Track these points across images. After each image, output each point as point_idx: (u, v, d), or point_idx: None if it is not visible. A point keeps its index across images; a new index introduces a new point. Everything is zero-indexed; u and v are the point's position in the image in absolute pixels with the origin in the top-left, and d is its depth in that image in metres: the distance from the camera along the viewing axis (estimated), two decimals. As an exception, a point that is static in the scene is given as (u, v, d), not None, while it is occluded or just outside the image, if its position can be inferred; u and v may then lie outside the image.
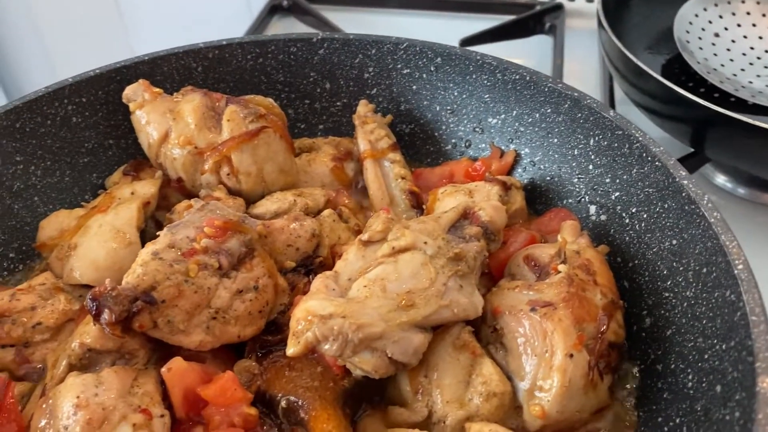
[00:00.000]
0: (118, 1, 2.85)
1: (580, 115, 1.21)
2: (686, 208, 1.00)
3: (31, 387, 1.07)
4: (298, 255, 1.17)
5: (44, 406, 0.94)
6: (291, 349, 0.94)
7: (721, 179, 1.67)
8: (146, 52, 1.39)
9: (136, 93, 1.30)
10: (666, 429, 0.93)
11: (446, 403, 0.97)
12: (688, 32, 1.80)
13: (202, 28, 2.75)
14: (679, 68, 1.77)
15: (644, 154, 1.10)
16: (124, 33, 2.96)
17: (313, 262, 1.18)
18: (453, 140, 1.43)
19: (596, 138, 1.19)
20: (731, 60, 1.76)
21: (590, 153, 1.21)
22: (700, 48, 1.78)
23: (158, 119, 1.27)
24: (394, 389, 1.02)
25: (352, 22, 2.13)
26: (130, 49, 2.93)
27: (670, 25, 1.80)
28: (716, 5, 1.84)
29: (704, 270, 0.95)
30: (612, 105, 1.85)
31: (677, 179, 1.02)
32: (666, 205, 1.06)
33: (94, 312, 0.95)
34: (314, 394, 0.97)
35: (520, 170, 1.35)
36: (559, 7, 2.16)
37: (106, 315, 0.94)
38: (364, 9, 2.30)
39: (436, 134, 1.45)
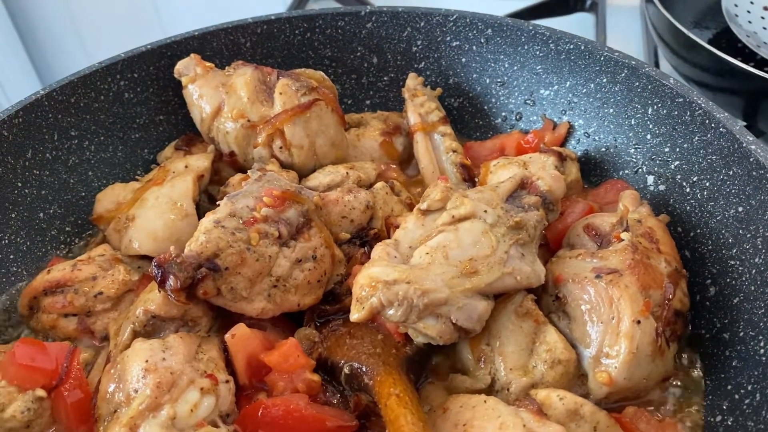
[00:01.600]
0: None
1: (637, 83, 1.19)
2: (754, 173, 0.98)
3: (93, 355, 1.09)
4: (352, 226, 1.17)
5: (112, 371, 0.94)
6: (356, 315, 0.94)
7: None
8: (177, 30, 1.39)
9: (188, 67, 1.30)
10: (737, 396, 0.92)
11: (510, 370, 0.96)
12: (736, 5, 1.76)
13: (235, 13, 2.76)
14: (726, 43, 1.73)
15: (707, 121, 1.07)
16: (156, 17, 2.97)
17: (368, 234, 1.18)
18: (503, 113, 1.42)
19: (655, 107, 1.17)
20: (782, 33, 1.72)
21: (648, 122, 1.19)
22: (749, 21, 1.74)
23: (211, 93, 1.27)
24: (456, 358, 1.01)
25: (394, 0, 2.12)
26: (164, 33, 2.95)
27: (716, -1, 1.77)
28: (766, -24, 1.80)
29: (775, 235, 0.93)
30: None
31: (744, 144, 1.00)
32: (731, 172, 1.03)
33: (159, 279, 0.96)
34: (377, 360, 0.97)
35: (573, 142, 1.33)
36: (600, -16, 2.12)
37: (171, 281, 0.95)
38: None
39: (485, 107, 1.43)
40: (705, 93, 1.58)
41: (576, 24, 2.09)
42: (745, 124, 1.54)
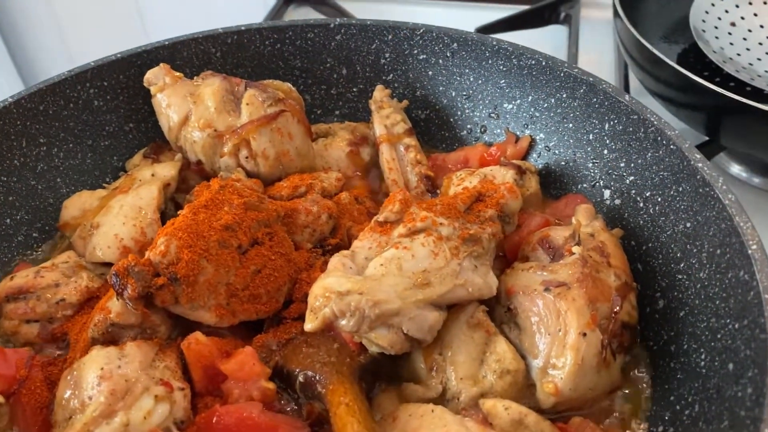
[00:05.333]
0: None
1: (595, 99, 1.22)
2: (701, 190, 1.01)
3: (54, 360, 1.10)
4: (315, 236, 1.19)
5: (69, 377, 0.96)
6: (309, 325, 0.96)
7: (736, 168, 1.67)
8: (160, 35, 1.41)
9: (157, 77, 1.32)
10: (678, 407, 0.94)
11: (460, 379, 0.98)
12: (704, 21, 1.80)
13: (217, 19, 2.79)
14: (694, 58, 1.77)
15: (659, 138, 1.11)
16: (139, 20, 2.99)
17: (329, 243, 1.20)
18: (468, 126, 1.45)
19: (611, 123, 1.20)
20: (747, 49, 1.76)
21: (605, 138, 1.22)
22: (716, 37, 1.78)
23: (179, 103, 1.29)
24: (408, 366, 1.03)
25: (368, 12, 2.15)
26: (146, 36, 2.97)
27: (686, 14, 1.80)
28: (733, -6, 1.84)
29: (718, 251, 0.96)
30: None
31: (692, 162, 1.03)
32: (680, 189, 1.06)
33: (117, 287, 0.97)
34: (331, 369, 0.99)
35: (534, 155, 1.36)
36: (574, -3, 2.16)
37: (129, 290, 0.97)
38: (379, -2, 2.31)
39: (451, 120, 1.46)
40: (670, 108, 1.62)
41: (550, 36, 2.12)
42: (707, 138, 1.58)
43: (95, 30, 3.05)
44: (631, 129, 1.16)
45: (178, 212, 1.09)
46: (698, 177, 1.02)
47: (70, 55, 3.16)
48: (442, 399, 0.99)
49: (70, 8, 3.03)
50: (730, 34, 1.79)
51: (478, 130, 1.44)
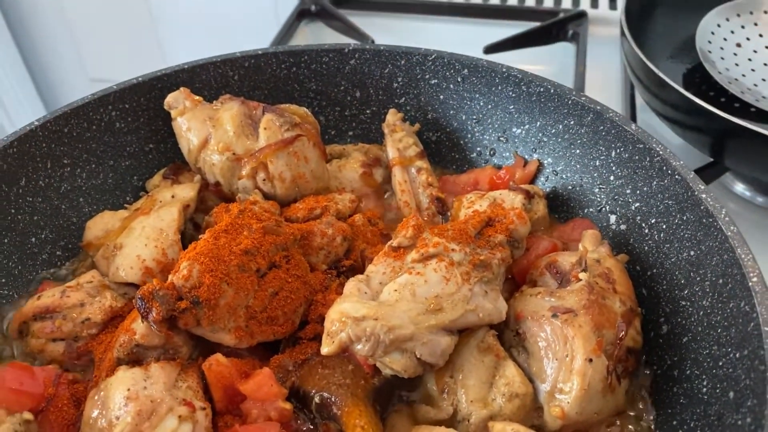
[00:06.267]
0: (150, 7, 2.93)
1: (602, 127, 1.26)
2: (704, 220, 1.05)
3: (80, 378, 1.14)
4: (330, 257, 1.23)
5: (96, 397, 1.00)
6: (325, 348, 1.00)
7: (740, 188, 1.70)
8: (176, 57, 1.45)
9: (177, 100, 1.36)
10: (680, 432, 0.98)
11: (470, 402, 1.02)
12: (710, 42, 1.83)
13: (229, 33, 2.84)
14: (700, 77, 1.80)
15: (664, 168, 1.14)
16: (155, 38, 3.04)
17: (344, 264, 1.24)
18: (478, 148, 1.49)
19: (618, 150, 1.24)
20: (752, 70, 1.79)
21: (611, 164, 1.26)
22: (722, 58, 1.81)
23: (198, 126, 1.33)
24: (420, 388, 1.07)
25: (379, 27, 2.19)
26: (162, 54, 3.02)
27: (692, 34, 1.83)
28: (738, 16, 1.87)
29: (720, 281, 1.00)
30: (633, 113, 1.88)
31: (696, 192, 1.07)
32: (685, 217, 1.10)
33: (142, 310, 1.02)
34: (346, 391, 1.03)
35: (542, 179, 1.40)
36: (582, 15, 2.20)
37: (153, 313, 1.01)
38: (390, 14, 2.35)
39: (461, 142, 1.50)
40: (675, 129, 1.65)
41: (557, 53, 2.16)
42: (712, 160, 1.61)
43: (116, 57, 3.12)
44: (637, 157, 1.20)
45: (200, 236, 1.13)
46: (702, 207, 1.05)
47: (87, 76, 3.23)
48: (452, 420, 1.03)
49: (90, 35, 3.09)
50: (735, 55, 1.82)
51: (488, 153, 1.48)
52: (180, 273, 1.04)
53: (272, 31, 2.27)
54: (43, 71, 3.26)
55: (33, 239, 1.31)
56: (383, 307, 1.00)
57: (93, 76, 3.26)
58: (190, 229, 1.33)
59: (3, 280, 1.25)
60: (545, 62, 2.13)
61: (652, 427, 1.05)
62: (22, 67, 3.15)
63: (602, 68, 2.09)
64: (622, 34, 1.73)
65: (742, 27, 1.86)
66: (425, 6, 2.35)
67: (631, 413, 1.07)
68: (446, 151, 1.52)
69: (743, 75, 1.77)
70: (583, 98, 1.28)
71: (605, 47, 2.17)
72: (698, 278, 1.06)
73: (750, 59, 1.82)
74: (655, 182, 1.17)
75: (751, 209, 1.65)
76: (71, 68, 3.24)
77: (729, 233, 0.99)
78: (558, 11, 2.25)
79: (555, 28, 2.16)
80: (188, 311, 1.02)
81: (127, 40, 3.10)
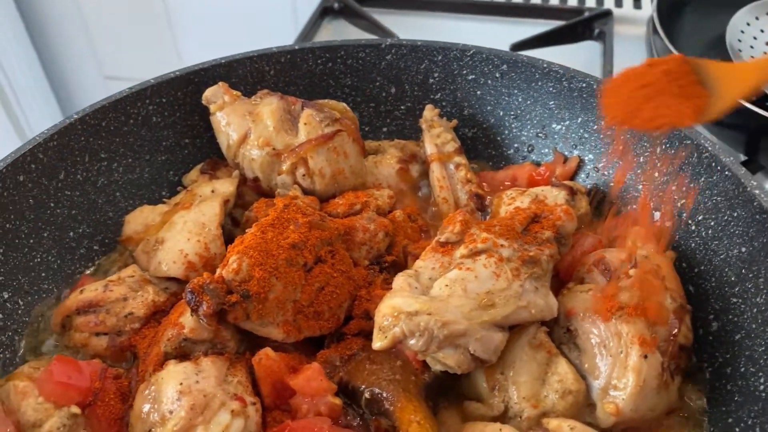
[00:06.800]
0: (165, 5, 2.91)
1: (647, 124, 1.25)
2: (757, 217, 1.04)
3: (123, 373, 1.13)
4: (372, 253, 1.22)
5: (146, 392, 1.00)
6: (378, 343, 0.99)
7: (773, 187, 1.70)
8: (191, 55, 1.44)
9: (216, 95, 1.35)
10: (737, 429, 0.97)
11: (522, 399, 1.01)
12: (740, 41, 1.82)
13: (246, 31, 2.82)
14: (731, 76, 1.79)
15: (713, 164, 1.13)
16: (170, 36, 3.03)
17: (386, 260, 1.23)
18: (515, 145, 1.48)
19: (663, 146, 1.23)
20: (784, 69, 1.78)
21: (656, 161, 1.25)
22: (752, 56, 1.80)
23: (238, 121, 1.32)
24: (470, 385, 1.06)
25: (403, 25, 2.17)
26: (177, 53, 3.01)
27: (722, 32, 1.82)
28: (768, 14, 1.86)
29: (776, 278, 0.99)
30: (663, 112, 1.87)
31: (749, 189, 1.06)
32: (735, 214, 1.09)
33: (192, 304, 1.01)
34: (397, 387, 1.02)
35: (582, 176, 1.39)
36: (607, 14, 2.18)
37: (204, 306, 1.00)
38: (414, 12, 2.33)
39: (498, 138, 1.49)
40: (710, 127, 1.64)
41: (583, 52, 2.14)
42: (745, 158, 1.60)
43: (130, 52, 3.11)
44: (683, 154, 1.19)
45: (246, 230, 1.12)
46: (755, 204, 1.04)
47: (103, 76, 3.22)
48: (503, 417, 1.02)
49: (105, 34, 3.08)
50: (766, 53, 1.81)
51: (525, 149, 1.47)
52: (230, 267, 1.03)
53: (290, 28, 2.25)
54: (58, 69, 3.24)
55: (71, 233, 1.30)
56: (435, 302, 0.99)
57: (108, 73, 3.25)
58: (229, 224, 1.32)
59: (43, 275, 1.24)
60: (571, 61, 2.07)
61: (707, 425, 1.04)
62: (37, 64, 3.14)
63: (628, 66, 2.08)
64: (654, 31, 1.72)
65: (773, 25, 1.85)
66: (449, 4, 2.34)
67: (683, 413, 1.06)
68: (482, 148, 1.51)
69: (775, 74, 1.76)
70: (627, 94, 1.27)
71: (631, 46, 2.15)
72: (751, 275, 1.05)
73: (781, 57, 1.81)
74: (702, 179, 1.16)
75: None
76: (86, 66, 3.23)
77: (786, 230, 0.98)
78: (583, 10, 2.24)
79: (581, 27, 2.15)
80: (238, 305, 1.02)
81: (141, 38, 3.08)
